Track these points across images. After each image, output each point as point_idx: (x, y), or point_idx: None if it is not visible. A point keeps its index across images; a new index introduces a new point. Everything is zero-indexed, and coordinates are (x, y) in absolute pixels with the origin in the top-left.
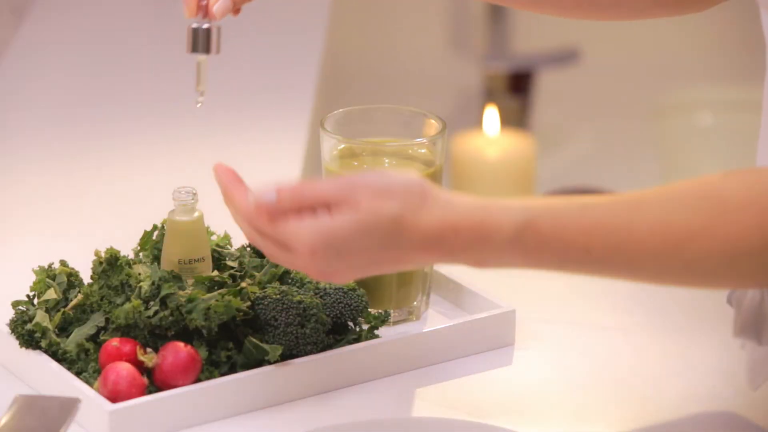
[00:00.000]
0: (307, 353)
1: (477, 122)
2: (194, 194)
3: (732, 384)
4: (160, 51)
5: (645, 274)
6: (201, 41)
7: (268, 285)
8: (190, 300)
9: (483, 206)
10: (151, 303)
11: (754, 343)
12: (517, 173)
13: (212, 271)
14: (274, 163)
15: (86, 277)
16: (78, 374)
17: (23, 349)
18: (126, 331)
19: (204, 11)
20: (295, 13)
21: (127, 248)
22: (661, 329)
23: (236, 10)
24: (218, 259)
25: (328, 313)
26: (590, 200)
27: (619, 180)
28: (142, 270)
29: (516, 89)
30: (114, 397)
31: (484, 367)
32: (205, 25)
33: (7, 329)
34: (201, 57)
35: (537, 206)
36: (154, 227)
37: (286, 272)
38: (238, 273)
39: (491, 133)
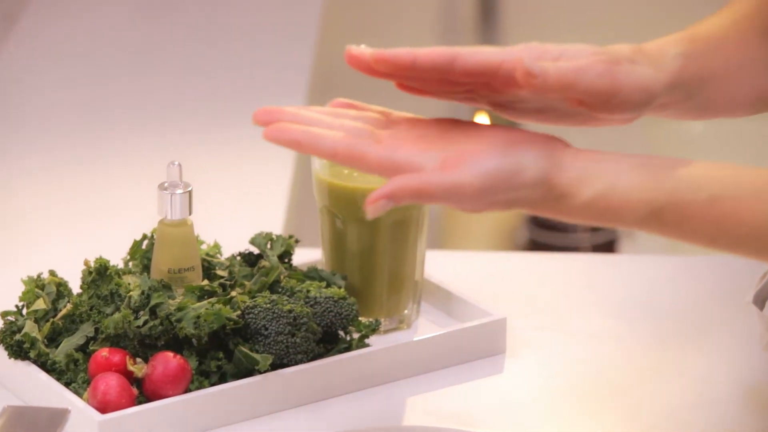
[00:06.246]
0: (297, 362)
1: None
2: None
3: (723, 389)
4: (151, 58)
5: (765, 258)
6: None
7: (258, 294)
8: (179, 309)
9: (604, 193)
10: (141, 312)
11: None
12: None
13: (202, 281)
14: (264, 170)
15: (75, 287)
16: (67, 385)
17: (12, 359)
18: (115, 341)
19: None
20: (286, 16)
21: (116, 258)
22: (653, 336)
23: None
24: (208, 269)
25: (318, 321)
26: (718, 188)
27: None
28: (131, 279)
29: None
30: (103, 408)
31: (475, 376)
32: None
33: None
34: None
35: (661, 196)
36: (144, 236)
37: (276, 281)
38: (228, 282)
39: None
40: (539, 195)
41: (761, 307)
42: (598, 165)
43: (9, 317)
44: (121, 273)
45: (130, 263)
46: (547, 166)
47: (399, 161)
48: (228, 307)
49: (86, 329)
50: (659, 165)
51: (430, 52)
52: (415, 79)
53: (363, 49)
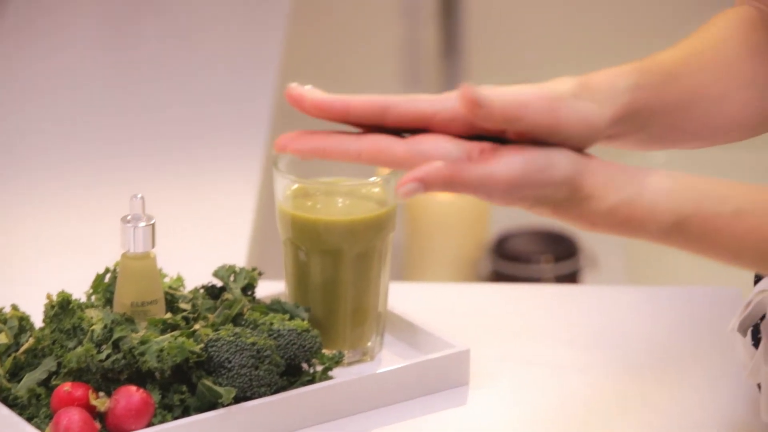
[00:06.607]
0: (261, 395)
1: None
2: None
3: (689, 421)
4: (112, 91)
5: None
6: None
7: (222, 327)
8: (142, 342)
9: (630, 201)
10: (104, 346)
11: None
12: (470, 212)
13: (165, 314)
14: (227, 202)
15: (38, 321)
16: (29, 420)
17: None
18: (78, 375)
19: None
20: (248, 50)
21: (79, 292)
22: (618, 367)
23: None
24: (171, 302)
25: (281, 354)
26: (744, 202)
27: None
28: (94, 313)
29: None
30: None
31: (438, 408)
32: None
33: None
34: None
35: (687, 206)
36: (107, 270)
37: (240, 314)
38: (191, 315)
39: None
40: (566, 194)
41: (745, 334)
42: (626, 174)
43: None
44: (83, 307)
45: (93, 297)
46: (576, 166)
47: (427, 150)
48: (191, 340)
49: (48, 364)
50: (684, 178)
51: (363, 100)
52: (352, 124)
53: (303, 90)
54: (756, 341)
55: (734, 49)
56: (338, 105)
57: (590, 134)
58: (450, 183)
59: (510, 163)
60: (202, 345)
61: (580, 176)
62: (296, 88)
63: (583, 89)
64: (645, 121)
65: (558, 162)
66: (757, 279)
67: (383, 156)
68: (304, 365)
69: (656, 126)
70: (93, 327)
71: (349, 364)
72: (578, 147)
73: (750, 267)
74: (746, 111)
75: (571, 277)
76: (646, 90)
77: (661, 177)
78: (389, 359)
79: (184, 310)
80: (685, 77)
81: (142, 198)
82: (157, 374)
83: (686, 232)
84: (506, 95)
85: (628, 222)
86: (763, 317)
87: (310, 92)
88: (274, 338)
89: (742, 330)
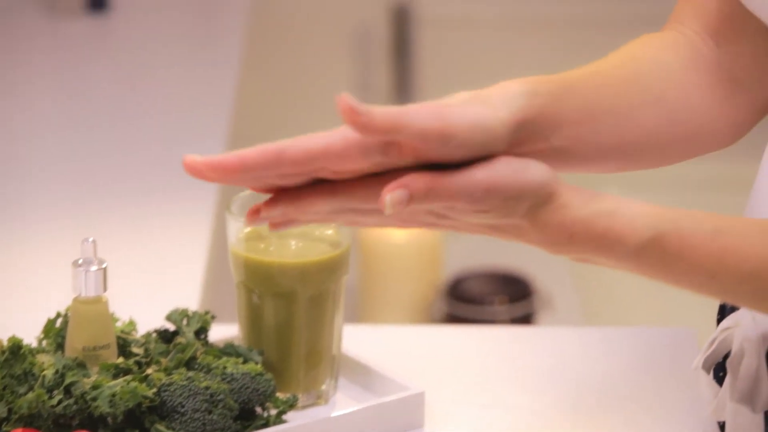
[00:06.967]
0: None
1: None
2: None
3: None
4: (65, 134)
5: (760, 301)
6: None
7: (175, 371)
8: (94, 387)
9: (609, 213)
10: (55, 392)
11: (747, 410)
12: (424, 254)
13: (117, 358)
14: (179, 245)
15: None
16: None
17: None
18: (29, 421)
19: None
20: (199, 93)
21: (30, 336)
22: (574, 409)
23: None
24: (123, 346)
25: (235, 398)
26: (723, 223)
27: (530, 260)
28: (45, 358)
29: None
30: None
31: None
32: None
33: None
34: None
35: (665, 223)
36: (58, 314)
37: (193, 358)
38: (143, 359)
39: None
40: (544, 197)
41: (709, 372)
42: (602, 195)
43: None
44: (34, 352)
45: (44, 342)
46: (552, 172)
47: (403, 175)
48: (144, 384)
49: None
50: (661, 206)
51: (256, 150)
52: (252, 179)
53: (195, 158)
54: (718, 379)
55: (643, 67)
56: (233, 161)
57: (487, 139)
58: (432, 189)
59: (489, 166)
60: (155, 389)
61: (557, 182)
62: (189, 157)
63: (474, 97)
64: (548, 131)
65: (534, 166)
66: (720, 317)
67: (358, 187)
68: (258, 409)
69: (560, 137)
70: (44, 372)
71: (304, 407)
72: (478, 153)
73: (723, 291)
74: (655, 129)
75: (526, 319)
76: (544, 97)
77: (638, 202)
78: (344, 402)
79: (137, 355)
80: (587, 90)
81: (94, 242)
82: (109, 419)
83: (663, 248)
84: (388, 107)
85: (606, 234)
86: (727, 355)
87: (204, 158)
88: (228, 382)
89: (707, 367)
